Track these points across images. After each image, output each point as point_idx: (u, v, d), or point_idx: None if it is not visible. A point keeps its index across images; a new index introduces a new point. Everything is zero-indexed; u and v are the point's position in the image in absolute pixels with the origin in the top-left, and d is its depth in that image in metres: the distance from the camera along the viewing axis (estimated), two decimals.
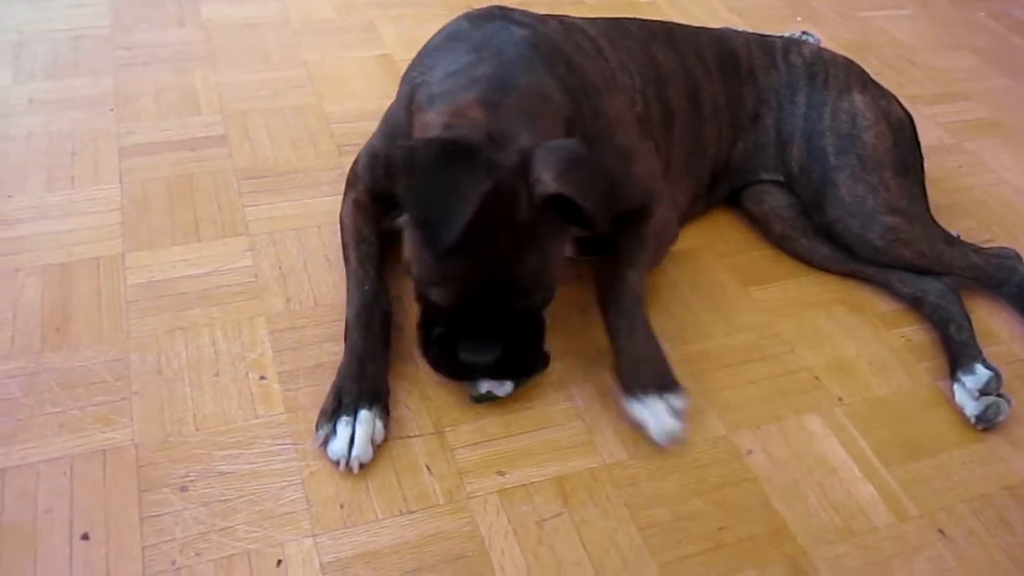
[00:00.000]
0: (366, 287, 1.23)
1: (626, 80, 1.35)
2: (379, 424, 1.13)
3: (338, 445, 1.10)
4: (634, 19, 1.47)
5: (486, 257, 1.05)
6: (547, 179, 1.02)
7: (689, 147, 1.45)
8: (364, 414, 1.12)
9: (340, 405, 1.13)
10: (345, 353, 1.19)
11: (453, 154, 1.02)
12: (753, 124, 1.50)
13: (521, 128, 1.08)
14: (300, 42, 1.98)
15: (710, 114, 1.46)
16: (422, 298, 1.14)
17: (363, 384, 1.15)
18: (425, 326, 1.16)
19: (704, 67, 1.47)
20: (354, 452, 1.10)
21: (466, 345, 1.12)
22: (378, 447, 1.13)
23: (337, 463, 1.10)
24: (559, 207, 1.04)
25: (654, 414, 1.15)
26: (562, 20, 1.36)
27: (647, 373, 1.18)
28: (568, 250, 1.16)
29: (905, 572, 1.06)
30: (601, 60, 1.32)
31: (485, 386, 1.17)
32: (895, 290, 1.43)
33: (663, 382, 1.17)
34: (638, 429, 1.17)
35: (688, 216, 1.51)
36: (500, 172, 1.03)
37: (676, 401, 1.17)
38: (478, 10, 1.30)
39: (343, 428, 1.11)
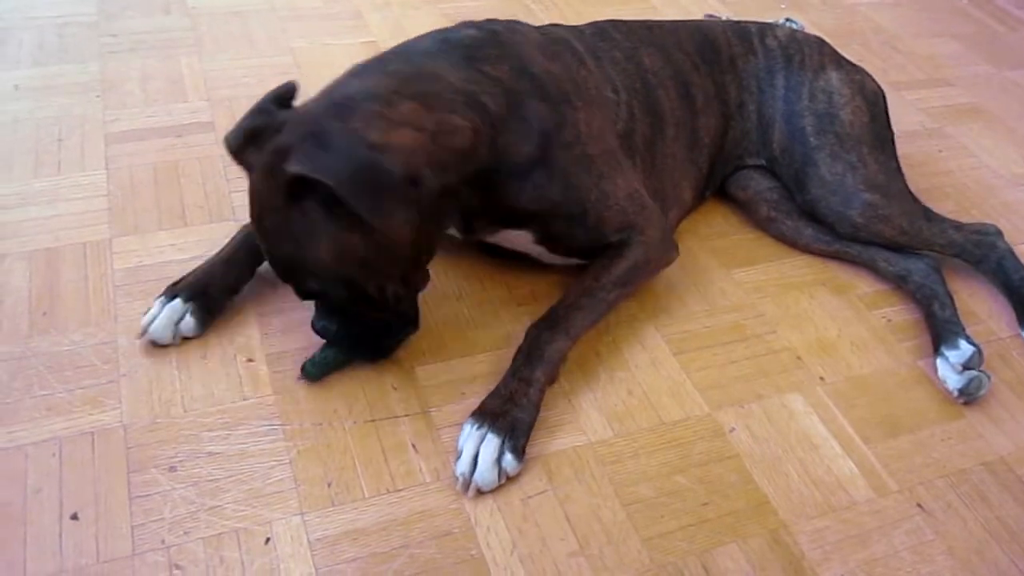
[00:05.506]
0: None
1: (609, 95, 1.34)
2: (191, 319, 1.23)
3: (145, 319, 1.23)
4: (619, 24, 1.47)
5: (261, 236, 1.11)
6: (289, 161, 1.02)
7: (687, 143, 1.46)
8: (176, 302, 1.23)
9: (172, 288, 1.25)
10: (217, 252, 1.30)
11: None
12: (738, 111, 1.52)
13: (338, 112, 1.07)
14: (286, 29, 1.99)
15: (702, 107, 1.48)
16: None
17: (200, 280, 1.25)
18: None
19: (691, 61, 1.48)
20: (151, 327, 1.21)
21: (318, 310, 1.17)
22: (190, 340, 1.24)
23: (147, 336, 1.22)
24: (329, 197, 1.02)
25: (477, 452, 1.10)
26: (547, 30, 1.35)
27: (506, 416, 1.12)
28: (347, 242, 1.06)
29: (884, 545, 1.08)
30: (584, 71, 1.32)
31: None
32: (879, 270, 1.45)
33: (513, 434, 1.11)
34: (445, 454, 1.13)
35: (691, 210, 1.53)
36: (269, 151, 1.06)
37: (510, 461, 1.10)
38: None
39: (156, 307, 1.23)
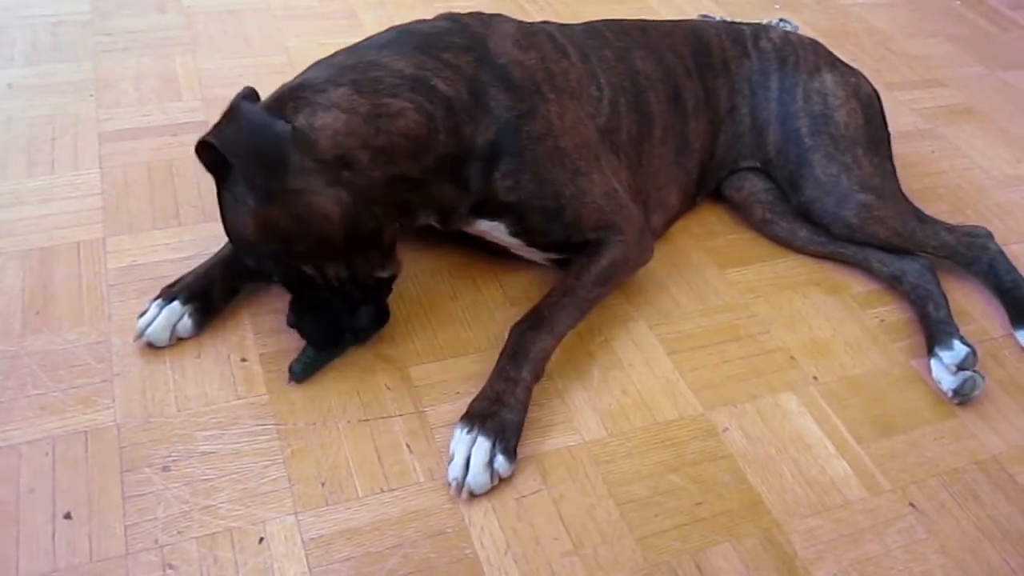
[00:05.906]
0: None
1: (592, 92, 1.34)
2: (188, 320, 1.23)
3: (142, 321, 1.22)
4: (611, 24, 1.47)
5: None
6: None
7: (675, 146, 1.46)
8: (175, 305, 1.23)
9: (169, 290, 1.25)
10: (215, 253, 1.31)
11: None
12: (730, 115, 1.52)
13: (273, 102, 1.12)
14: (281, 28, 1.98)
15: (693, 111, 1.48)
16: None
17: (197, 281, 1.25)
18: None
19: (683, 65, 1.48)
20: (148, 330, 1.21)
21: (289, 305, 1.20)
22: (184, 340, 1.24)
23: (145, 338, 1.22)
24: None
25: (468, 455, 1.09)
26: (527, 24, 1.35)
27: (495, 418, 1.12)
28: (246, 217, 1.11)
29: (877, 543, 1.08)
30: (565, 63, 1.32)
31: None
32: (874, 271, 1.46)
33: (503, 435, 1.11)
34: (439, 453, 1.13)
35: (680, 215, 1.53)
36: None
37: (502, 462, 1.09)
38: None
39: (153, 309, 1.23)
